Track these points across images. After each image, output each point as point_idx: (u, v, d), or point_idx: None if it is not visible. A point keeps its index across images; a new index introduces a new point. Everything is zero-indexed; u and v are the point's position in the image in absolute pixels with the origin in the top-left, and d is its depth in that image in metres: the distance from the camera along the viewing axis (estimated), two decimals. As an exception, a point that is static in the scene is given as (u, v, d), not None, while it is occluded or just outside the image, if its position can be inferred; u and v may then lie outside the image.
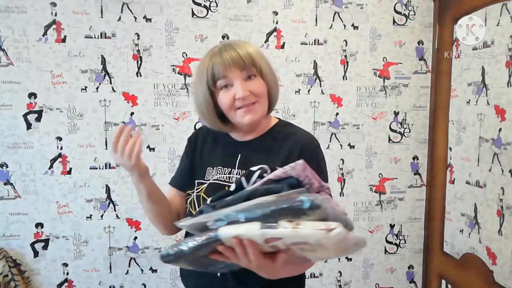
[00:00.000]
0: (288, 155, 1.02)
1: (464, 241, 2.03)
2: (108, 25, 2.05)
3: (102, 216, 2.12)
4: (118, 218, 2.14)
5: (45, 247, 2.10)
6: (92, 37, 2.04)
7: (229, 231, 0.75)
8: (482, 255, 1.89)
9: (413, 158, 2.35)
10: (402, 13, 2.26)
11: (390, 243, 2.38)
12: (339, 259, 2.33)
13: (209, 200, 0.88)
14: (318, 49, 2.21)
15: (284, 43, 2.18)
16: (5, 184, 2.04)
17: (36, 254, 2.09)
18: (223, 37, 2.13)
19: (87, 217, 2.11)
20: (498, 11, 1.78)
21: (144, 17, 2.07)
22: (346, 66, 2.24)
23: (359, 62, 2.24)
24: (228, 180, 1.05)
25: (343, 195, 2.30)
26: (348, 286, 2.36)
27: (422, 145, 2.34)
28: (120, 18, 2.05)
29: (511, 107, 1.73)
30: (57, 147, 2.06)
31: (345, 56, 2.23)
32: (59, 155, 2.07)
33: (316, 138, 1.10)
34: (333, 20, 2.21)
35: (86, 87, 2.06)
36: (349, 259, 2.35)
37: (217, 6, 2.11)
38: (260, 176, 0.83)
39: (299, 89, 2.21)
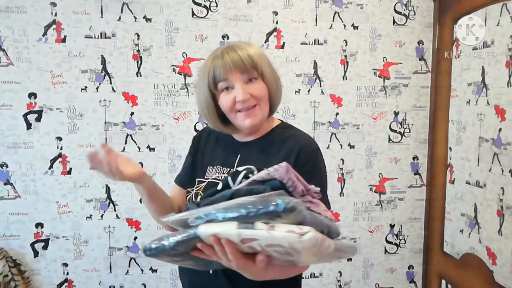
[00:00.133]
0: (286, 157, 1.02)
1: (464, 241, 2.03)
2: (108, 25, 2.05)
3: (102, 216, 2.13)
4: (118, 218, 2.14)
5: (45, 247, 2.10)
6: (92, 37, 2.04)
7: (207, 229, 0.75)
8: (482, 255, 1.89)
9: (413, 158, 2.35)
10: (402, 13, 2.26)
11: (390, 243, 2.38)
12: (339, 259, 2.33)
13: (199, 198, 0.88)
14: (318, 49, 2.21)
15: (284, 43, 2.18)
16: (5, 184, 2.04)
17: (36, 254, 2.09)
18: (223, 37, 2.13)
19: (87, 217, 2.11)
20: (498, 11, 1.78)
21: (144, 17, 2.07)
22: (346, 66, 2.24)
23: (359, 62, 2.24)
24: None
25: (343, 195, 2.30)
26: (348, 286, 2.36)
27: (422, 145, 2.34)
28: (120, 18, 2.06)
29: (511, 107, 1.73)
30: (57, 147, 2.07)
31: (345, 56, 2.23)
32: (59, 155, 2.07)
33: (315, 141, 1.09)
34: (333, 20, 2.21)
35: (86, 87, 2.06)
36: (349, 259, 2.35)
37: (217, 6, 2.11)
38: (246, 177, 0.84)
39: (299, 89, 2.21)
